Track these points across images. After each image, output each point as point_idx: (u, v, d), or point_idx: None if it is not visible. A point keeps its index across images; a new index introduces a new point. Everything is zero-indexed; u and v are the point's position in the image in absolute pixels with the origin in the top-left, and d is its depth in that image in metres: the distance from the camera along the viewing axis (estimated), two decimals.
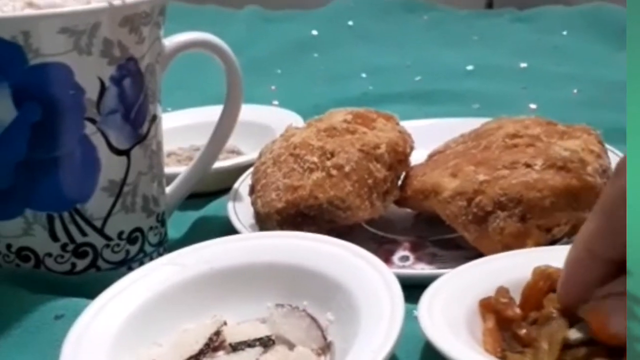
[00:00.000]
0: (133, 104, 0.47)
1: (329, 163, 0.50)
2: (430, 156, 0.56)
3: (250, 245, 0.44)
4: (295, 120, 0.67)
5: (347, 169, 0.50)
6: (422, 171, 0.53)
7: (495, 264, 0.43)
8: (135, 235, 0.49)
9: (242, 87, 0.55)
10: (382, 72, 0.96)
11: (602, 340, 0.34)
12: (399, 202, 0.54)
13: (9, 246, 0.47)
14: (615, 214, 0.30)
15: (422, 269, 0.50)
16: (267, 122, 0.71)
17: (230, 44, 0.54)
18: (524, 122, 0.54)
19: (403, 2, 1.22)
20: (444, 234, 0.52)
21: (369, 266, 0.40)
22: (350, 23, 1.17)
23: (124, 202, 0.48)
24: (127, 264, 0.49)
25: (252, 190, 0.54)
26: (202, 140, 0.58)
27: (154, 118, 0.49)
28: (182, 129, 0.72)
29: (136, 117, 0.47)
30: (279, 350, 0.39)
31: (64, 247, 0.47)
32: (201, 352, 0.39)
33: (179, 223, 0.57)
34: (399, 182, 0.54)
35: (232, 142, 0.62)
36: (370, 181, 0.51)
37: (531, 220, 0.47)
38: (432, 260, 0.51)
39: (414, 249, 0.52)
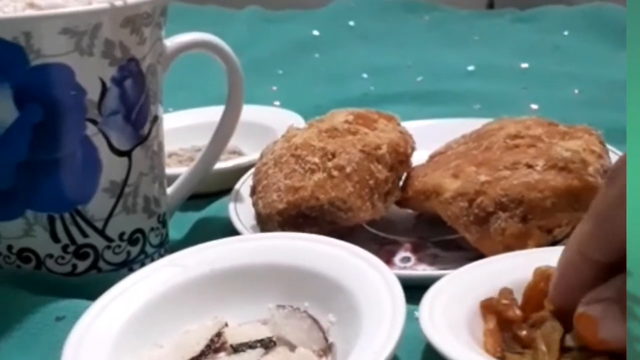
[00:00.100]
0: (134, 104, 0.47)
1: (330, 164, 0.50)
2: (432, 157, 0.56)
3: (251, 247, 0.44)
4: (296, 120, 0.67)
5: (348, 169, 0.50)
6: (424, 172, 0.53)
7: (496, 265, 0.43)
8: (136, 237, 0.49)
9: (244, 87, 0.55)
10: (383, 73, 0.96)
11: (593, 347, 0.34)
12: (400, 203, 0.54)
13: (9, 247, 0.47)
14: (609, 219, 0.30)
15: (424, 270, 0.50)
16: (268, 123, 0.71)
17: (231, 44, 0.54)
18: (525, 122, 0.53)
19: (404, 2, 1.22)
20: (445, 234, 0.52)
21: (370, 267, 0.40)
22: (351, 23, 1.17)
23: (125, 203, 0.48)
24: (128, 265, 0.49)
25: (253, 191, 0.54)
26: (203, 140, 0.58)
27: (156, 119, 0.49)
28: (183, 130, 0.72)
29: (137, 118, 0.47)
30: (280, 351, 0.39)
31: (65, 248, 0.47)
32: (202, 354, 0.39)
33: (180, 224, 0.57)
34: (400, 183, 0.54)
35: (233, 143, 0.62)
36: (371, 182, 0.51)
37: (532, 221, 0.47)
38: (433, 261, 0.51)
39: (415, 250, 0.52)
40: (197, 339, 0.40)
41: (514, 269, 0.42)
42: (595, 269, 0.32)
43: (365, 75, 0.97)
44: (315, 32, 1.13)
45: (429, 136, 0.59)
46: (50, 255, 0.47)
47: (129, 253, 0.49)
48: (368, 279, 0.39)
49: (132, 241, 0.49)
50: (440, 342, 0.37)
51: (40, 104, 0.44)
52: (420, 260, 0.51)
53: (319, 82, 0.95)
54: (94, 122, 0.45)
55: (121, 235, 0.48)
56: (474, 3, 1.34)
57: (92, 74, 0.44)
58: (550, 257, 0.40)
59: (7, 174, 0.45)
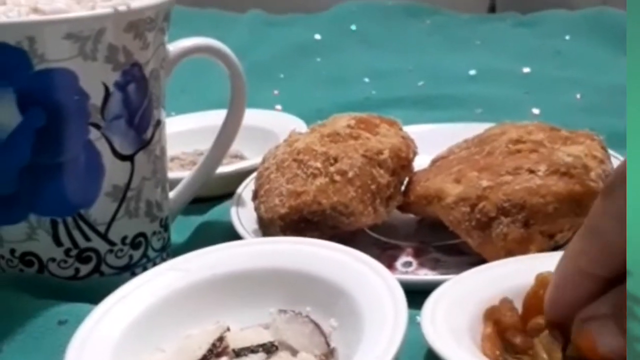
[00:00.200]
0: (137, 109, 0.47)
1: (332, 169, 0.50)
2: (434, 162, 0.56)
3: (253, 251, 0.44)
4: (298, 125, 0.68)
5: (350, 174, 0.50)
6: (426, 177, 0.53)
7: (498, 270, 0.43)
8: (138, 241, 0.49)
9: (246, 92, 0.55)
10: (385, 77, 0.96)
11: None
12: (402, 208, 0.54)
13: (12, 251, 0.47)
14: (605, 233, 0.30)
15: (425, 275, 0.50)
16: (270, 127, 0.71)
17: (233, 48, 0.54)
18: (527, 127, 0.54)
19: (406, 7, 1.23)
20: (447, 239, 0.52)
21: (372, 272, 0.40)
22: (353, 27, 1.17)
23: (128, 207, 0.48)
24: (130, 269, 0.49)
25: (256, 196, 0.54)
26: (205, 144, 0.58)
27: (158, 123, 0.49)
28: (185, 134, 0.72)
29: (140, 123, 0.47)
30: (282, 356, 0.39)
31: (67, 252, 0.47)
32: (204, 358, 0.39)
33: (182, 228, 0.57)
34: (402, 188, 0.54)
35: (235, 147, 0.62)
36: (373, 187, 0.51)
37: (534, 226, 0.47)
38: (435, 266, 0.51)
39: (417, 254, 0.52)
40: (199, 343, 0.40)
41: (515, 274, 0.42)
42: (592, 282, 0.32)
43: (367, 80, 0.97)
44: (317, 36, 1.13)
45: (431, 141, 0.59)
46: (53, 259, 0.47)
47: (131, 257, 0.49)
48: (370, 283, 0.39)
49: (135, 245, 0.49)
50: (442, 347, 0.37)
51: (44, 108, 0.44)
52: (422, 265, 0.51)
53: (321, 86, 0.95)
54: (97, 126, 0.45)
55: (124, 239, 0.48)
56: (475, 7, 1.34)
57: (95, 79, 0.44)
58: (552, 262, 0.40)
59: (10, 178, 0.45)
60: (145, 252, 0.50)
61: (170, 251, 0.53)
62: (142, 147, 0.48)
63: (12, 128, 0.44)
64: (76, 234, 0.47)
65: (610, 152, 0.53)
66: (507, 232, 0.47)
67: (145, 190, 0.49)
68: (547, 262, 0.41)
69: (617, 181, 0.30)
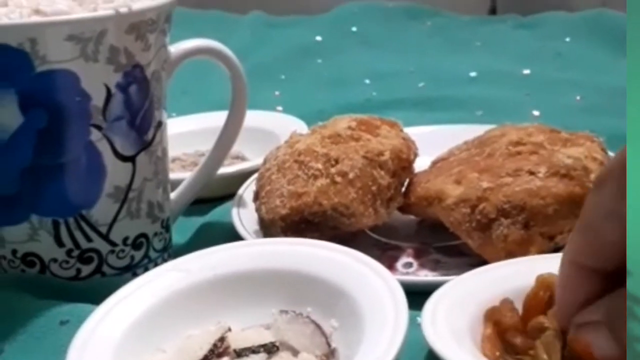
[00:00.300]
0: (139, 110, 0.47)
1: (333, 170, 0.51)
2: (434, 163, 0.56)
3: (254, 252, 0.44)
4: (299, 126, 0.68)
5: (351, 175, 0.50)
6: (426, 178, 0.53)
7: (498, 272, 0.43)
8: (140, 241, 0.49)
9: (247, 93, 0.55)
10: (386, 78, 0.96)
11: None
12: (402, 209, 0.54)
13: (14, 252, 0.47)
14: (596, 227, 0.31)
15: (426, 276, 0.50)
16: (271, 128, 0.71)
17: (234, 50, 0.54)
18: (527, 129, 0.54)
19: (406, 8, 1.23)
20: (447, 240, 0.52)
21: (373, 273, 0.40)
22: (354, 29, 1.17)
23: (129, 208, 0.48)
24: (131, 270, 0.49)
25: (257, 197, 0.54)
26: (206, 145, 0.58)
27: (160, 124, 0.49)
28: (187, 135, 0.72)
29: (142, 124, 0.47)
30: (283, 356, 0.39)
31: (69, 252, 0.47)
32: (205, 358, 0.39)
33: (183, 229, 0.57)
34: (403, 189, 0.54)
35: (236, 148, 0.62)
36: (374, 188, 0.51)
37: (534, 228, 0.47)
38: (435, 267, 0.51)
39: (417, 255, 0.52)
40: (200, 344, 0.40)
41: (516, 275, 0.42)
42: (589, 278, 0.32)
43: (367, 81, 0.97)
44: (318, 38, 1.13)
45: (432, 142, 0.59)
46: (55, 260, 0.47)
47: (132, 258, 0.49)
48: (370, 284, 0.40)
49: (136, 246, 0.49)
50: (443, 348, 0.37)
51: (45, 109, 0.44)
52: (422, 266, 0.51)
53: (322, 88, 0.95)
54: (99, 127, 0.45)
55: (125, 240, 0.48)
56: (476, 9, 1.34)
57: (97, 80, 0.45)
58: (552, 263, 0.40)
59: (12, 179, 0.45)
60: (147, 252, 0.50)
61: (171, 252, 0.53)
62: (143, 148, 0.48)
63: (14, 129, 0.44)
64: (78, 235, 0.47)
65: (610, 153, 0.53)
66: (507, 234, 0.47)
67: (146, 191, 0.49)
68: (547, 263, 0.41)
69: (606, 176, 0.30)
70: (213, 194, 0.61)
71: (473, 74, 0.96)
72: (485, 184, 0.49)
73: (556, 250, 0.47)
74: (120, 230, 0.48)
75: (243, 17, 1.26)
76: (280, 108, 0.85)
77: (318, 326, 0.40)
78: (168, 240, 0.52)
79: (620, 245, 0.30)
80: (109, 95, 0.45)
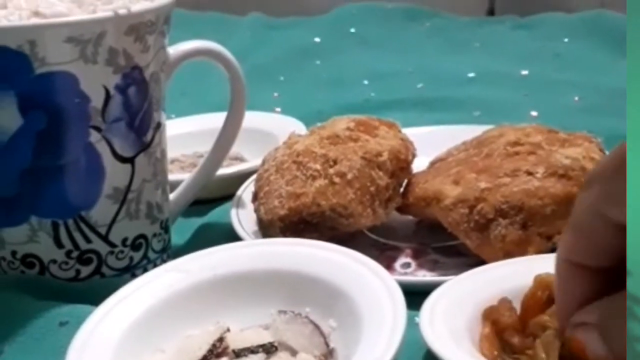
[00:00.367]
0: (138, 112, 0.47)
1: (331, 170, 0.51)
2: (432, 163, 0.57)
3: (253, 252, 0.44)
4: (297, 127, 0.68)
5: (349, 176, 0.50)
6: (424, 178, 0.54)
7: (496, 272, 0.44)
8: (139, 242, 0.49)
9: (246, 94, 0.55)
10: (384, 79, 0.97)
11: None
12: (401, 209, 0.54)
13: (14, 253, 0.47)
14: (585, 224, 0.31)
15: (424, 276, 0.50)
16: (270, 129, 0.71)
17: (233, 51, 0.55)
18: (525, 129, 0.54)
19: (405, 9, 1.23)
20: (445, 241, 0.52)
21: (371, 273, 0.40)
22: (353, 30, 1.17)
23: (128, 209, 0.48)
24: (130, 271, 0.49)
25: (255, 197, 0.54)
26: (205, 147, 0.58)
27: (158, 126, 0.49)
28: (185, 136, 0.72)
29: (140, 125, 0.47)
30: (281, 356, 0.39)
31: (68, 253, 0.47)
32: (204, 359, 0.39)
33: (182, 230, 0.57)
34: (401, 190, 0.54)
35: (235, 149, 0.63)
36: (372, 188, 0.51)
37: (532, 228, 0.47)
38: (433, 267, 0.51)
39: (415, 256, 0.52)
40: (199, 344, 0.40)
41: (514, 275, 0.42)
42: (586, 277, 0.32)
43: (366, 82, 0.97)
44: (317, 39, 1.14)
45: (430, 143, 0.59)
46: (54, 261, 0.47)
47: (131, 259, 0.49)
48: (369, 284, 0.40)
49: (135, 247, 0.49)
50: (441, 348, 0.37)
51: (45, 111, 0.44)
52: (420, 266, 0.51)
53: (320, 89, 0.95)
54: (98, 129, 0.45)
55: (124, 240, 0.49)
56: (474, 10, 1.34)
57: (96, 82, 0.45)
58: (550, 263, 0.40)
59: (12, 181, 0.45)
60: (146, 253, 0.50)
61: (170, 253, 0.53)
62: (142, 149, 0.48)
63: (13, 131, 0.44)
64: (77, 236, 0.47)
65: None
66: (505, 234, 0.47)
67: (145, 192, 0.49)
68: (545, 263, 0.41)
69: (595, 177, 0.30)
70: (212, 195, 0.61)
71: (471, 74, 0.96)
72: (483, 185, 0.49)
73: (554, 250, 0.47)
74: (119, 231, 0.48)
75: (242, 18, 1.26)
76: (278, 109, 0.85)
77: (317, 326, 0.40)
78: (167, 241, 0.52)
79: (608, 244, 0.30)
80: (108, 97, 0.45)
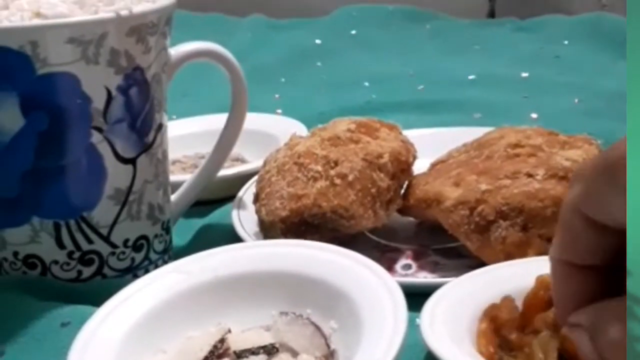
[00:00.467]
0: (139, 113, 0.47)
1: (332, 172, 0.51)
2: (433, 165, 0.57)
3: (254, 254, 0.44)
4: (299, 128, 0.68)
5: (350, 178, 0.51)
6: (425, 180, 0.54)
7: (497, 273, 0.44)
8: (140, 243, 0.49)
9: (247, 96, 0.55)
10: (385, 81, 0.97)
11: None
12: (401, 211, 0.54)
13: (15, 254, 0.47)
14: (568, 224, 0.31)
15: (425, 278, 0.50)
16: (271, 131, 0.71)
17: (234, 52, 0.55)
18: (525, 132, 0.54)
19: (406, 12, 1.23)
20: (446, 242, 0.52)
21: (372, 274, 0.40)
22: (354, 32, 1.17)
23: (130, 210, 0.48)
24: (132, 272, 0.49)
25: (257, 199, 0.54)
26: (207, 148, 0.58)
27: (160, 127, 0.49)
28: (187, 137, 0.72)
29: (142, 126, 0.48)
30: (282, 358, 0.39)
31: (70, 254, 0.47)
32: None
33: (183, 231, 0.58)
34: (402, 191, 0.54)
35: (236, 150, 0.63)
36: (373, 190, 0.51)
37: (533, 230, 0.47)
38: (434, 268, 0.51)
39: (416, 257, 0.52)
40: (200, 345, 0.40)
41: (514, 277, 0.42)
42: (577, 275, 0.32)
43: (367, 84, 0.97)
44: (318, 41, 1.14)
45: (431, 145, 0.59)
46: (56, 262, 0.47)
47: (133, 259, 0.49)
48: (370, 286, 0.40)
49: (137, 248, 0.49)
50: (441, 350, 0.37)
51: (46, 112, 0.44)
52: (421, 267, 0.51)
53: (321, 91, 0.96)
54: (100, 130, 0.45)
55: (126, 241, 0.49)
56: (475, 12, 1.34)
57: (97, 83, 0.45)
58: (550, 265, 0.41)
59: (13, 182, 0.45)
60: (147, 254, 0.50)
61: (172, 254, 0.53)
62: (144, 150, 0.48)
63: (15, 132, 0.44)
64: (79, 237, 0.47)
65: None
66: (505, 236, 0.47)
67: (147, 193, 0.49)
68: (546, 265, 0.41)
69: (578, 176, 0.31)
70: (213, 196, 0.61)
71: (472, 76, 0.96)
72: (483, 186, 0.49)
73: None
74: (120, 232, 0.48)
75: (243, 19, 1.27)
76: (280, 111, 0.85)
77: (318, 328, 0.40)
78: (168, 242, 0.52)
79: (591, 243, 0.31)
80: (109, 98, 0.45)
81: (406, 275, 0.51)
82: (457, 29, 1.19)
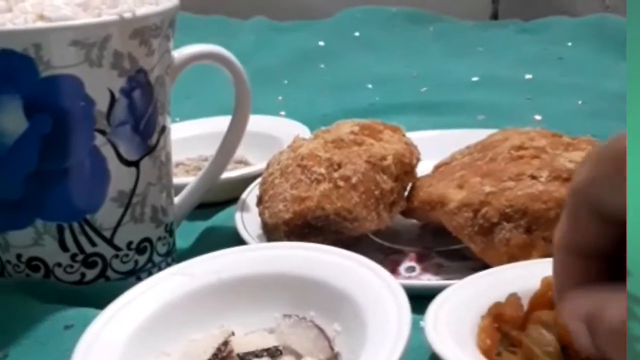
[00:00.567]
0: (142, 115, 0.47)
1: (336, 174, 0.51)
2: (437, 167, 0.56)
3: (257, 256, 0.44)
4: (302, 131, 0.68)
5: (354, 180, 0.51)
6: (429, 182, 0.54)
7: (501, 275, 0.44)
8: (144, 246, 0.49)
9: (250, 98, 0.55)
10: (389, 83, 0.97)
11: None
12: (405, 213, 0.54)
13: (19, 256, 0.47)
14: (571, 209, 0.31)
15: (428, 280, 0.50)
16: (274, 133, 0.71)
17: (237, 54, 0.55)
18: (529, 133, 0.54)
19: (409, 14, 1.23)
20: (450, 244, 0.52)
21: (376, 277, 0.40)
22: (357, 34, 1.17)
23: (133, 212, 0.48)
24: (135, 274, 0.49)
25: (260, 201, 0.54)
26: (210, 150, 0.58)
27: (163, 129, 0.49)
28: (190, 139, 0.72)
29: (145, 129, 0.48)
30: None
31: (73, 257, 0.47)
32: None
33: (187, 233, 0.58)
34: (406, 193, 0.54)
35: (239, 153, 0.63)
36: (377, 192, 0.51)
37: (536, 232, 0.47)
38: (438, 271, 0.51)
39: (420, 259, 0.52)
40: (203, 348, 0.40)
41: (518, 279, 0.42)
42: (577, 262, 0.32)
43: (370, 86, 0.97)
44: (321, 43, 1.14)
45: (434, 147, 0.59)
46: (59, 264, 0.47)
47: (136, 262, 0.49)
48: (373, 288, 0.40)
49: (140, 250, 0.49)
50: (445, 352, 0.37)
51: (50, 114, 0.44)
52: (425, 270, 0.51)
53: (325, 93, 0.96)
54: (103, 132, 0.46)
55: (129, 244, 0.49)
56: (478, 14, 1.34)
57: (101, 85, 0.45)
58: None
59: (17, 184, 0.45)
60: (151, 257, 0.50)
61: (175, 256, 0.53)
62: (147, 152, 0.48)
63: (19, 134, 0.44)
64: (82, 239, 0.47)
65: None
66: (509, 238, 0.47)
67: (150, 196, 0.49)
68: (550, 267, 0.41)
69: (584, 162, 0.31)
70: (216, 199, 0.61)
71: (475, 78, 0.96)
72: (487, 188, 0.49)
73: None
74: (124, 235, 0.48)
75: (246, 22, 1.27)
76: (283, 113, 0.85)
77: (321, 330, 0.40)
78: (172, 245, 0.52)
79: (593, 230, 0.31)
80: (113, 100, 0.45)
81: (410, 277, 0.51)
82: (460, 31, 1.18)
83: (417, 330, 0.38)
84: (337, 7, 1.26)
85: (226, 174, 0.59)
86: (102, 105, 0.45)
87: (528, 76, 0.96)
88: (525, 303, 0.40)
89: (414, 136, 0.58)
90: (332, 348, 0.39)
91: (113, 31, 0.44)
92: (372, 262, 0.42)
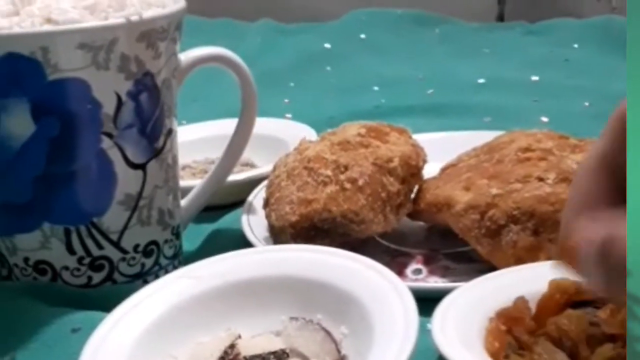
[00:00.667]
0: (149, 118, 0.47)
1: (342, 177, 0.51)
2: (443, 169, 0.56)
3: (264, 259, 0.44)
4: (308, 133, 0.68)
5: (360, 182, 0.50)
6: (435, 184, 0.54)
7: (508, 278, 0.44)
8: (150, 248, 0.49)
9: (257, 100, 0.55)
10: (395, 85, 0.97)
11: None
12: (412, 215, 0.54)
13: (26, 259, 0.47)
14: (623, 135, 0.31)
15: (435, 282, 0.50)
16: (280, 135, 0.71)
17: (243, 57, 0.55)
18: (536, 135, 0.54)
19: (415, 16, 1.23)
20: (456, 247, 0.52)
21: (382, 279, 0.40)
22: (363, 36, 1.17)
23: (140, 215, 0.48)
24: (142, 277, 0.49)
25: (266, 204, 0.54)
26: (216, 153, 0.58)
27: (170, 132, 0.49)
28: (196, 142, 0.72)
29: (152, 132, 0.48)
30: None
31: (80, 260, 0.47)
32: None
33: (193, 236, 0.58)
34: (412, 196, 0.54)
35: (246, 155, 0.63)
36: (383, 194, 0.51)
37: (544, 234, 0.47)
38: (445, 273, 0.51)
39: (426, 262, 0.52)
40: (210, 351, 0.40)
41: (525, 281, 0.42)
42: (601, 181, 0.32)
43: (376, 88, 0.97)
44: (327, 45, 1.14)
45: (441, 149, 0.59)
46: (66, 268, 0.47)
47: (143, 265, 0.49)
48: (380, 290, 0.40)
49: (147, 253, 0.49)
50: (453, 355, 0.37)
51: (57, 117, 0.44)
52: (431, 272, 0.51)
53: (331, 95, 0.95)
54: (110, 135, 0.46)
55: (136, 247, 0.49)
56: (484, 16, 1.34)
57: (108, 88, 0.45)
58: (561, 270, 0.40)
59: (24, 187, 0.45)
60: (157, 260, 0.50)
61: (182, 259, 0.53)
62: (154, 155, 0.48)
63: (26, 137, 0.44)
64: (89, 243, 0.47)
65: None
66: (516, 240, 0.47)
67: (157, 199, 0.49)
68: (557, 269, 0.41)
69: (606, 129, 0.32)
70: (223, 201, 0.61)
71: (481, 80, 0.96)
72: (494, 191, 0.49)
73: None
74: (131, 238, 0.48)
75: (252, 24, 1.27)
76: (289, 115, 0.85)
77: (328, 333, 0.40)
78: (178, 248, 0.52)
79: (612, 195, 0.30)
80: (119, 103, 0.45)
81: (417, 279, 0.51)
82: (466, 33, 1.18)
83: (424, 333, 0.38)
84: (343, 10, 1.26)
85: (232, 177, 0.59)
86: (109, 108, 0.45)
87: (534, 78, 0.96)
88: (532, 306, 0.40)
89: (420, 138, 0.58)
90: (339, 351, 0.39)
91: (120, 34, 0.44)
92: (379, 265, 0.42)
